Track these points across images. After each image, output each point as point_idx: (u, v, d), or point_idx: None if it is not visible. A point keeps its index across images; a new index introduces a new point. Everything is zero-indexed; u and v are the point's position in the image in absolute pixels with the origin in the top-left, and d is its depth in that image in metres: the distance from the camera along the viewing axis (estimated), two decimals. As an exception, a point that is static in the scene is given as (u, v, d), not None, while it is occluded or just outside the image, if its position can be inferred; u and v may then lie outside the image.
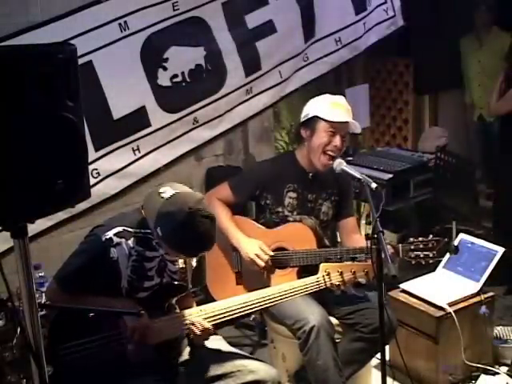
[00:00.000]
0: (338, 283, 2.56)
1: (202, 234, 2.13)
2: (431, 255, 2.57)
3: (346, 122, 2.73)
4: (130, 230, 2.26)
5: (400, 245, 2.61)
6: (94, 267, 2.21)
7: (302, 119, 2.82)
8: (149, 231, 2.27)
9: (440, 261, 2.76)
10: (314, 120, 2.76)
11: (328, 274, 2.56)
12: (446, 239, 2.60)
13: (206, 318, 2.31)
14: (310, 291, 2.57)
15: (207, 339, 2.37)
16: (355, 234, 2.94)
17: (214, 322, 2.33)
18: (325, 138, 2.73)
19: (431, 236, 2.61)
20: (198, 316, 2.31)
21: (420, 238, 2.60)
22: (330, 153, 2.73)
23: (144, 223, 2.28)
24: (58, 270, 2.30)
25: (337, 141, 2.72)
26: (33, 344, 1.57)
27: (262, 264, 2.76)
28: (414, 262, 2.61)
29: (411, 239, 2.62)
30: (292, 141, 2.96)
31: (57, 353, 2.11)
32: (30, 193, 1.41)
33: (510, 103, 3.82)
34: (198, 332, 2.27)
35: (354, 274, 2.55)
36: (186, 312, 2.33)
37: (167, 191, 2.19)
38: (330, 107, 2.73)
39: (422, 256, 2.57)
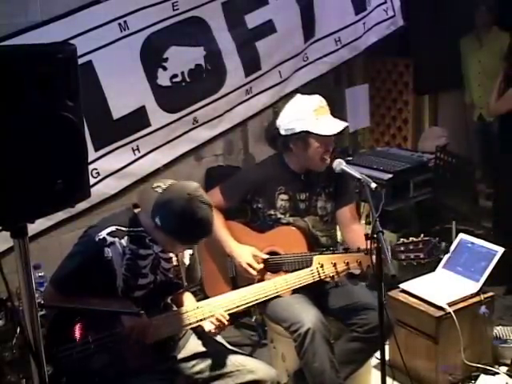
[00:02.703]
0: (331, 274, 2.57)
1: (201, 219, 2.15)
2: (422, 256, 2.53)
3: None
4: (122, 228, 2.26)
5: (389, 246, 2.60)
6: (89, 268, 2.21)
7: (286, 132, 2.74)
8: (141, 229, 2.28)
9: (433, 261, 2.73)
10: (303, 135, 2.71)
11: (322, 266, 2.57)
12: (437, 239, 2.55)
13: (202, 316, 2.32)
14: (305, 283, 2.57)
15: (218, 334, 2.39)
16: (354, 223, 2.89)
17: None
18: (320, 148, 2.73)
19: (422, 236, 2.56)
20: (193, 312, 2.31)
21: (410, 239, 2.56)
22: (325, 159, 2.75)
23: (136, 221, 2.29)
24: (53, 273, 2.31)
25: (329, 147, 2.74)
26: (33, 344, 1.57)
27: (255, 273, 2.77)
28: (405, 264, 2.60)
29: (401, 240, 2.59)
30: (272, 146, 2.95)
31: (55, 354, 2.11)
32: (30, 193, 1.41)
33: (509, 103, 3.82)
34: (223, 322, 2.30)
35: (347, 264, 2.56)
36: (183, 309, 2.34)
37: (161, 185, 2.22)
38: (316, 118, 2.69)
39: (412, 257, 2.54)
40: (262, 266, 2.78)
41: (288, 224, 2.82)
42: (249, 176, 2.98)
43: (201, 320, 2.32)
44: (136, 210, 2.33)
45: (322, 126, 2.69)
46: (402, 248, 2.56)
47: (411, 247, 2.54)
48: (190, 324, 2.32)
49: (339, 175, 2.77)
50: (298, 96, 2.79)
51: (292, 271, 2.73)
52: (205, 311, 2.33)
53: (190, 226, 2.16)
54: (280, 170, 2.86)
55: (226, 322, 2.32)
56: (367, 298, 2.74)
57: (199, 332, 2.43)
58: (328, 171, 2.79)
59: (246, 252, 2.79)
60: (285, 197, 2.83)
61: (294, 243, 2.77)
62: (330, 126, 2.70)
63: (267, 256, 2.80)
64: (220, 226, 2.85)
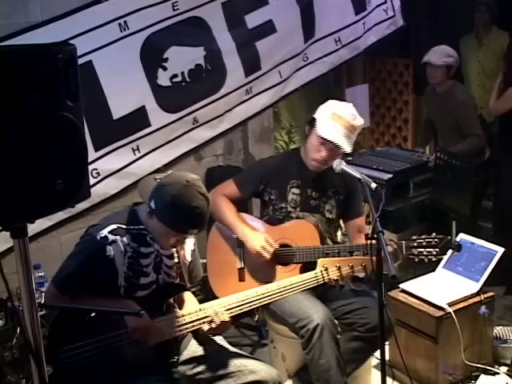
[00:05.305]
0: (336, 278, 2.57)
1: (195, 208, 2.14)
2: (434, 252, 2.58)
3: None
4: (123, 226, 2.26)
5: (403, 242, 2.62)
6: (91, 267, 2.21)
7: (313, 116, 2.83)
8: (142, 227, 2.28)
9: (442, 259, 2.77)
10: (314, 123, 2.78)
11: (326, 269, 2.57)
12: (449, 237, 2.62)
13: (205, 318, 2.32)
14: (309, 286, 2.58)
15: (223, 332, 2.39)
16: (362, 232, 2.91)
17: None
18: (315, 144, 2.75)
19: (434, 234, 2.62)
20: (195, 315, 2.31)
21: (423, 236, 2.61)
22: (316, 160, 2.76)
23: (136, 218, 2.29)
24: (55, 273, 2.30)
25: (324, 152, 2.74)
26: (33, 344, 1.57)
27: (268, 256, 2.77)
28: (417, 260, 2.62)
29: (414, 237, 2.63)
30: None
31: (57, 355, 2.11)
32: (30, 193, 1.41)
33: (508, 102, 3.81)
34: (218, 322, 2.28)
35: (351, 268, 2.56)
36: (185, 311, 2.33)
37: (163, 175, 2.24)
38: (328, 118, 2.71)
39: (425, 253, 2.59)
40: (275, 248, 2.78)
41: (299, 218, 2.84)
42: (262, 166, 3.01)
43: (203, 322, 2.32)
44: (136, 207, 2.33)
45: (325, 127, 2.70)
46: (415, 244, 2.59)
47: (424, 243, 2.58)
48: (193, 326, 2.31)
49: (352, 185, 2.84)
50: (350, 104, 2.80)
51: (303, 264, 2.75)
52: (207, 313, 2.32)
53: (183, 211, 2.14)
54: (294, 163, 2.89)
55: (222, 322, 2.30)
56: (367, 297, 2.75)
57: (199, 335, 2.42)
58: (340, 177, 2.80)
59: (259, 236, 2.80)
60: (296, 191, 2.86)
61: (306, 236, 2.78)
62: (332, 132, 2.69)
63: (278, 245, 2.81)
64: (233, 214, 2.88)
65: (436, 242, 2.58)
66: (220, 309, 2.32)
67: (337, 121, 2.70)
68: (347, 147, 2.71)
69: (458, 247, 2.67)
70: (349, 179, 2.82)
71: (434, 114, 4.42)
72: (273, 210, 2.89)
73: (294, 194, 2.85)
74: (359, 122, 2.75)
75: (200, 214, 2.16)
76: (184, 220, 2.17)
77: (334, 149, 2.72)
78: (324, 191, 2.87)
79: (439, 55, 4.15)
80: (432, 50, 4.22)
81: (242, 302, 2.41)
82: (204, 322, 2.31)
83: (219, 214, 2.88)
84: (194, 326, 2.31)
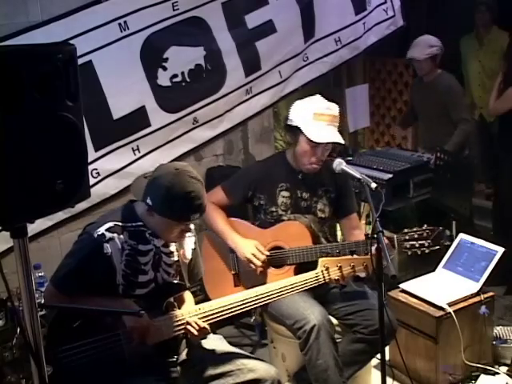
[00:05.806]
0: (337, 278, 2.57)
1: (190, 192, 2.14)
2: (426, 244, 2.59)
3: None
4: (120, 224, 2.26)
5: (395, 235, 2.63)
6: (90, 265, 2.21)
7: (289, 122, 2.79)
8: (140, 223, 2.28)
9: (436, 250, 2.78)
10: (296, 130, 2.75)
11: (327, 269, 2.57)
12: (441, 228, 2.61)
13: (204, 317, 2.32)
14: (309, 286, 2.57)
15: (204, 338, 2.38)
16: (356, 229, 2.94)
17: (212, 321, 2.34)
18: (307, 149, 2.75)
19: (425, 225, 2.63)
20: (194, 315, 2.31)
21: (415, 229, 2.62)
22: (312, 164, 2.77)
23: (134, 214, 2.29)
24: (54, 273, 2.30)
25: (318, 153, 2.74)
26: (33, 344, 1.57)
27: (259, 263, 2.77)
28: (410, 253, 2.62)
29: (406, 230, 2.63)
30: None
31: (56, 355, 2.11)
32: (30, 193, 1.40)
33: (508, 102, 3.81)
34: (194, 332, 2.27)
35: (353, 268, 2.56)
36: (185, 311, 2.33)
37: (152, 171, 2.26)
38: (312, 120, 2.70)
39: (417, 246, 2.60)
40: (265, 256, 2.78)
41: (290, 219, 2.83)
42: (250, 172, 3.01)
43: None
44: (133, 204, 2.33)
45: (313, 131, 2.70)
46: (407, 237, 2.61)
47: (416, 236, 2.59)
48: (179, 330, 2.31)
49: (342, 182, 2.83)
50: (317, 96, 2.80)
51: (296, 265, 2.74)
52: (206, 313, 2.32)
53: (180, 199, 2.14)
54: (281, 166, 2.89)
55: (197, 332, 2.28)
56: (370, 298, 2.74)
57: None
58: (331, 175, 2.79)
59: (249, 244, 2.80)
60: (286, 194, 2.85)
61: (298, 237, 2.78)
62: (322, 134, 2.69)
63: (269, 253, 2.80)
64: (222, 222, 2.87)
65: (427, 233, 2.59)
66: (193, 318, 2.30)
67: (320, 120, 2.70)
68: (341, 139, 2.73)
69: (449, 238, 2.69)
70: (339, 177, 2.81)
71: (420, 104, 4.42)
72: (264, 215, 2.88)
73: (283, 196, 2.85)
74: (336, 108, 2.76)
75: (197, 197, 2.17)
76: (183, 207, 2.17)
77: (327, 146, 2.75)
78: (314, 191, 2.86)
79: (421, 49, 4.16)
80: (414, 44, 4.22)
81: (243, 302, 2.41)
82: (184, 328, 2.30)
83: (209, 222, 2.89)
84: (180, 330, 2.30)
